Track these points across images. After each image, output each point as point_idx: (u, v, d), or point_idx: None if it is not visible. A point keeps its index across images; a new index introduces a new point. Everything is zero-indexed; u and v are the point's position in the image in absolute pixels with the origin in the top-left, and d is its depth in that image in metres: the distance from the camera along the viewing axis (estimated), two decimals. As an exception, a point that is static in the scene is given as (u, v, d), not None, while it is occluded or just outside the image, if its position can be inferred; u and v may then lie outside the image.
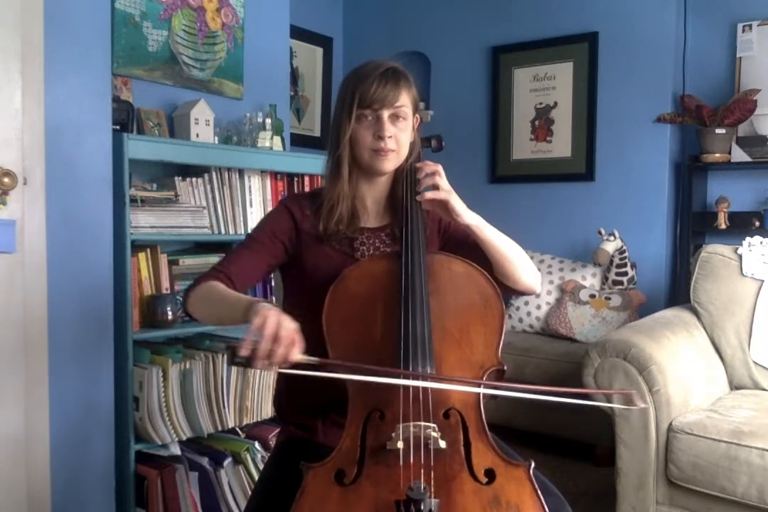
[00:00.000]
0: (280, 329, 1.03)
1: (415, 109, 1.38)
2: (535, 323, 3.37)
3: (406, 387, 1.13)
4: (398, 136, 1.33)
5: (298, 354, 1.05)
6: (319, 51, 4.18)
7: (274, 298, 2.45)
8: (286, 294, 1.49)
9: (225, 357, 1.07)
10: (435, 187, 1.31)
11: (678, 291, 3.29)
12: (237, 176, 2.45)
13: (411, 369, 1.14)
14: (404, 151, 1.37)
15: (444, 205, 1.31)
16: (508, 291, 1.40)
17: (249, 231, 2.41)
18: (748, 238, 2.43)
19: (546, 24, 3.64)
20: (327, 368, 1.12)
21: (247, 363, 1.03)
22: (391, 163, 1.35)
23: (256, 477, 2.14)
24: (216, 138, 2.48)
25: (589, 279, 3.33)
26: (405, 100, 1.33)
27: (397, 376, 1.13)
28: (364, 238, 1.40)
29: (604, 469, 2.68)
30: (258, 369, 1.05)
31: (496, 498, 1.04)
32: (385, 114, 1.31)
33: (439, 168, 1.35)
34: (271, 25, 2.82)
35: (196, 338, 2.40)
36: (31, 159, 1.81)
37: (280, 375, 1.51)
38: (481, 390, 1.16)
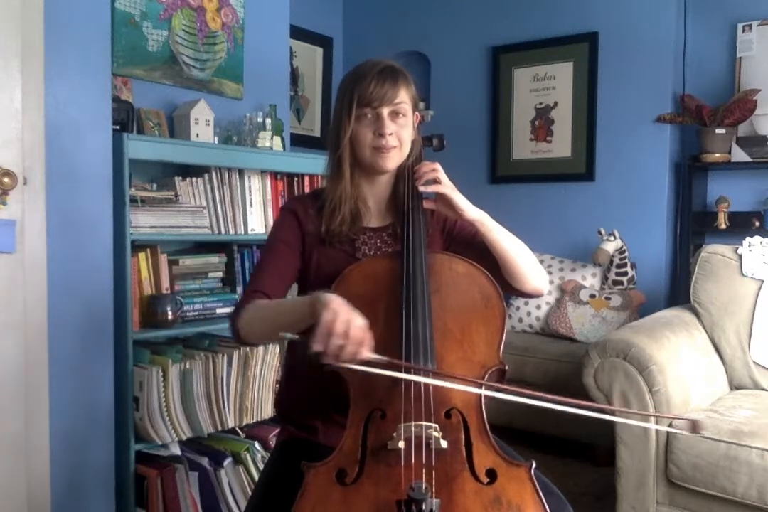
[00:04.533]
0: (350, 327, 1.03)
1: (415, 107, 1.37)
2: (535, 323, 3.37)
3: (407, 387, 1.12)
4: (399, 132, 1.33)
5: (367, 353, 1.05)
6: (319, 51, 4.18)
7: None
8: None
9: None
10: (436, 182, 1.32)
11: (678, 291, 3.29)
12: (237, 176, 2.45)
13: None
14: (406, 148, 1.36)
15: (447, 200, 1.32)
16: (515, 292, 1.39)
17: (249, 232, 2.44)
18: (748, 238, 2.43)
19: (546, 24, 3.63)
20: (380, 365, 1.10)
21: (318, 357, 1.04)
22: (393, 161, 1.35)
23: (256, 477, 2.14)
24: (216, 138, 2.47)
25: (589, 279, 3.33)
26: (404, 97, 1.33)
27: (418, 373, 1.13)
28: (365, 238, 1.39)
29: (604, 469, 2.68)
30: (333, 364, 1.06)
31: (497, 498, 1.04)
32: (385, 111, 1.31)
33: (437, 165, 1.35)
34: (271, 25, 2.82)
35: (196, 338, 2.40)
36: (31, 159, 1.80)
37: (282, 375, 1.51)
38: (515, 398, 1.12)
